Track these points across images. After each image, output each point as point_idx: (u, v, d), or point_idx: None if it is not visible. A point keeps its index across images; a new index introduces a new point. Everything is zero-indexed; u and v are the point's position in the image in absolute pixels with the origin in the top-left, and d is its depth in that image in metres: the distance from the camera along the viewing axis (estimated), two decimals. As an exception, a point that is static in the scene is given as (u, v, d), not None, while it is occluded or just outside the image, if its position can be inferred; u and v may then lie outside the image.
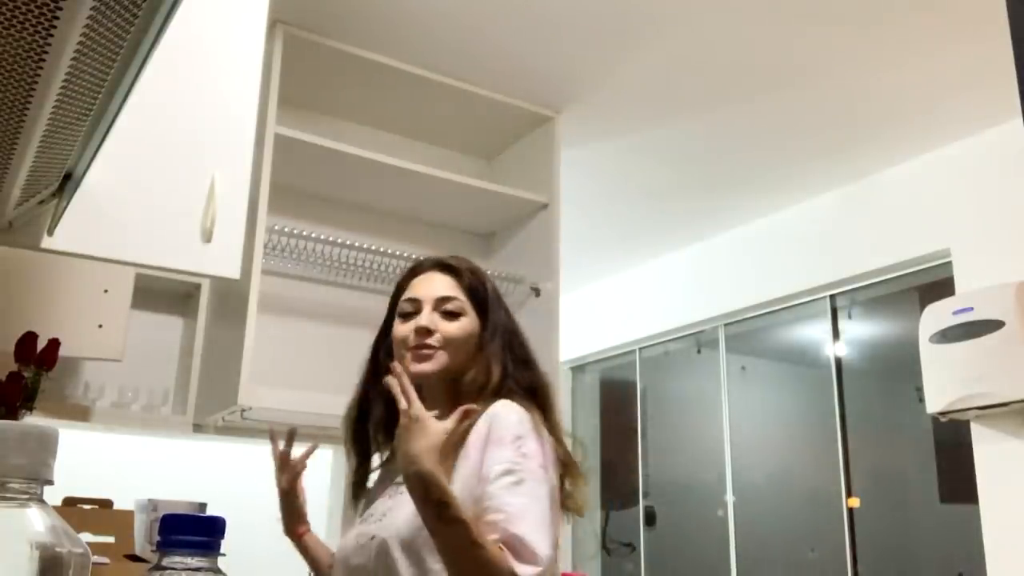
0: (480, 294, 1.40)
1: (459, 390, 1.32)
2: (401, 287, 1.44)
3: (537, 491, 1.18)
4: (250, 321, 2.17)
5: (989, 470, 2.84)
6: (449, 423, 1.15)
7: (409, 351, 1.34)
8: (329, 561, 1.43)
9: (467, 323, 1.37)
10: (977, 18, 2.43)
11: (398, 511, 1.24)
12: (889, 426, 3.48)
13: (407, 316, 1.38)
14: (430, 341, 1.33)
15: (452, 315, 1.36)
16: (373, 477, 1.44)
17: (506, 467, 1.19)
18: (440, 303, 1.37)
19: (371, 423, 1.40)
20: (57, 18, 0.71)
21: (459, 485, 1.19)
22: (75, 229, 1.37)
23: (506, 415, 1.25)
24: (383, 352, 1.42)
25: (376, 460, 1.45)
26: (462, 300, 1.38)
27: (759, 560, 3.78)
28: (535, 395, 1.34)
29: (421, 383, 1.35)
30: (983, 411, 2.77)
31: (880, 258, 3.34)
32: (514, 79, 2.78)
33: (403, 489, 1.23)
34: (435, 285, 1.39)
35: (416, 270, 1.44)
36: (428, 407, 1.33)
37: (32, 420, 1.55)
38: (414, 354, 1.34)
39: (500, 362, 1.35)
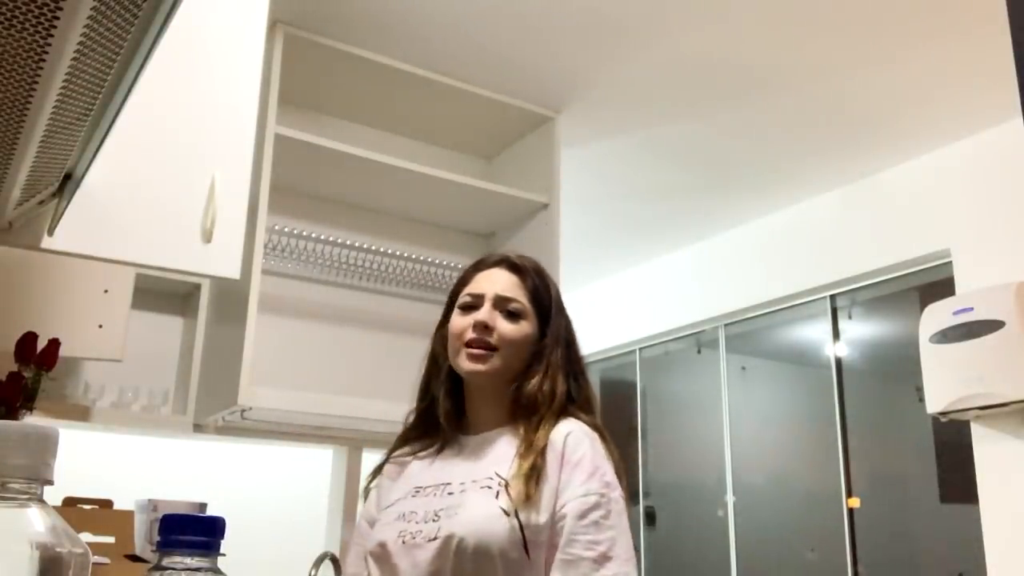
0: (543, 299, 1.38)
1: (520, 399, 1.31)
2: (464, 280, 1.42)
3: (621, 522, 1.21)
4: (250, 321, 2.17)
5: (989, 470, 2.84)
6: None
7: (464, 347, 1.32)
8: None
9: (526, 327, 1.35)
10: (977, 18, 2.43)
11: (468, 511, 1.21)
12: (889, 426, 3.48)
13: (467, 309, 1.35)
14: (488, 339, 1.31)
15: (513, 316, 1.34)
16: (392, 469, 1.40)
17: (595, 500, 1.19)
18: (502, 302, 1.35)
19: (439, 413, 1.37)
20: (57, 18, 0.71)
21: (544, 506, 1.19)
22: (75, 229, 1.37)
23: (582, 437, 1.25)
24: (438, 343, 1.41)
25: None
26: (524, 303, 1.36)
27: (759, 560, 3.78)
28: (589, 410, 1.33)
29: (475, 383, 1.35)
30: (983, 411, 2.77)
31: (880, 258, 3.34)
32: (514, 79, 2.77)
33: (466, 488, 1.24)
34: (499, 282, 1.37)
35: (481, 264, 1.43)
36: (483, 410, 1.36)
37: (32, 420, 1.55)
38: (469, 353, 1.31)
39: (564, 374, 1.33)
